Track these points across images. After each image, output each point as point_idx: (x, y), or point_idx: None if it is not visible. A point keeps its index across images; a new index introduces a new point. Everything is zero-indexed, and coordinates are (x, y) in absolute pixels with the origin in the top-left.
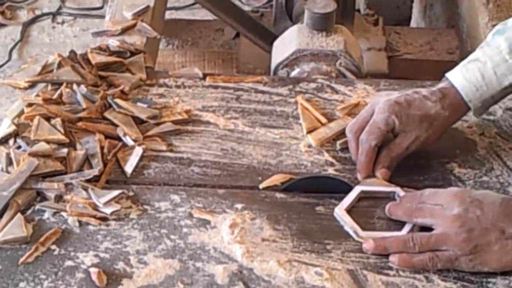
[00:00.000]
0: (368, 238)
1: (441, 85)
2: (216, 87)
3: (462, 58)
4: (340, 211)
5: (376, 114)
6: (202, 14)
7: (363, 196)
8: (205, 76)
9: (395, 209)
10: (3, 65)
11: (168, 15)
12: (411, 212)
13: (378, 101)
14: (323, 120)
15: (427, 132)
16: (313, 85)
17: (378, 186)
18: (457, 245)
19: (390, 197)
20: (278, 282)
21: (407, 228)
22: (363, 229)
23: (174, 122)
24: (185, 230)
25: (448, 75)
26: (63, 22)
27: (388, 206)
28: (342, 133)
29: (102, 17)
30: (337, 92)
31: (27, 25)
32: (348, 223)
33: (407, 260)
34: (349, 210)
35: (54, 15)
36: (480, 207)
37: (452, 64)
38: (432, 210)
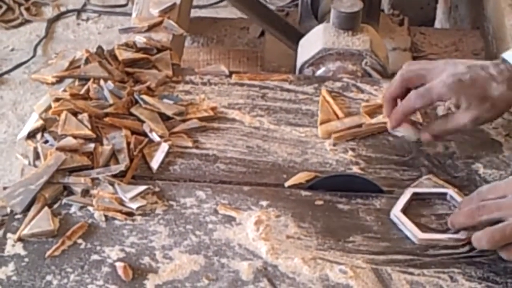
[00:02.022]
0: (426, 241)
1: (506, 65)
2: (242, 85)
3: (487, 59)
4: (397, 213)
5: (437, 81)
6: (226, 13)
7: (415, 198)
8: (231, 73)
9: (456, 218)
10: (28, 61)
11: (192, 13)
12: (474, 212)
13: (445, 69)
14: (340, 114)
15: (488, 113)
16: (338, 84)
17: (430, 187)
18: None
19: (442, 198)
20: (302, 279)
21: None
22: (422, 231)
23: (200, 119)
24: (210, 226)
25: (504, 55)
26: (87, 19)
27: (449, 220)
28: (351, 129)
29: (127, 14)
30: (362, 91)
31: (52, 21)
32: (408, 225)
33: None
34: (404, 212)
35: (79, 12)
36: None
37: None
38: (498, 204)
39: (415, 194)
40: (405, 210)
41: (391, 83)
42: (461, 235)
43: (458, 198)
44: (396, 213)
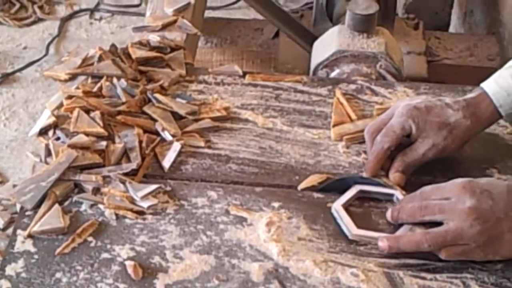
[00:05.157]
0: (359, 237)
1: (471, 94)
2: (255, 86)
3: (503, 65)
4: (337, 207)
5: (394, 117)
6: (240, 14)
7: (361, 196)
8: (244, 74)
9: (397, 213)
10: (40, 59)
11: (206, 14)
12: (416, 211)
13: (399, 105)
14: (353, 116)
15: (446, 140)
16: (352, 86)
17: (378, 187)
18: (472, 238)
19: (388, 199)
20: (313, 282)
21: (405, 227)
22: (358, 227)
23: (213, 119)
24: (221, 226)
25: (482, 83)
26: (100, 19)
27: (389, 213)
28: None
29: (140, 14)
30: (376, 94)
31: (65, 20)
32: (344, 219)
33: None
34: (346, 208)
35: (92, 11)
36: (491, 197)
37: (492, 71)
38: (441, 205)
39: (361, 191)
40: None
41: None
42: (402, 230)
43: None
44: (337, 207)
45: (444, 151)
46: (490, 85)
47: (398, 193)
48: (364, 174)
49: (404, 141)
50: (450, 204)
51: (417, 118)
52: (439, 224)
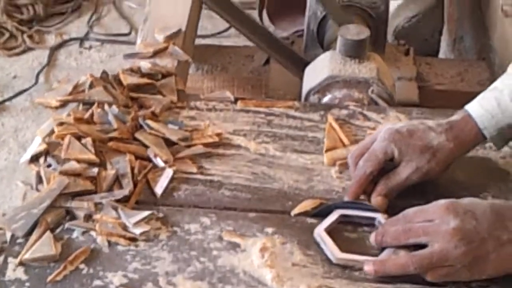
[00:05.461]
0: (344, 260)
1: (454, 117)
2: (247, 111)
3: None
4: (320, 232)
5: (376, 141)
6: (229, 43)
7: (343, 221)
8: (236, 100)
9: (381, 237)
10: (30, 88)
11: (196, 42)
12: (400, 235)
13: (381, 130)
14: (346, 141)
15: (429, 163)
16: (345, 111)
17: (359, 211)
18: (457, 259)
19: (370, 223)
20: None
21: (388, 250)
22: (342, 251)
23: (205, 145)
24: (214, 252)
25: (466, 106)
26: (90, 47)
27: (373, 237)
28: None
29: (130, 43)
30: (369, 119)
31: (55, 49)
32: (328, 244)
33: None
34: (329, 232)
35: (81, 40)
36: (474, 217)
37: None
38: (425, 228)
39: (342, 216)
40: (330, 231)
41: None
42: (385, 253)
43: None
44: (320, 232)
45: (428, 174)
46: (474, 108)
47: (380, 217)
48: (346, 198)
49: (388, 165)
50: (434, 226)
51: (400, 142)
52: (423, 246)
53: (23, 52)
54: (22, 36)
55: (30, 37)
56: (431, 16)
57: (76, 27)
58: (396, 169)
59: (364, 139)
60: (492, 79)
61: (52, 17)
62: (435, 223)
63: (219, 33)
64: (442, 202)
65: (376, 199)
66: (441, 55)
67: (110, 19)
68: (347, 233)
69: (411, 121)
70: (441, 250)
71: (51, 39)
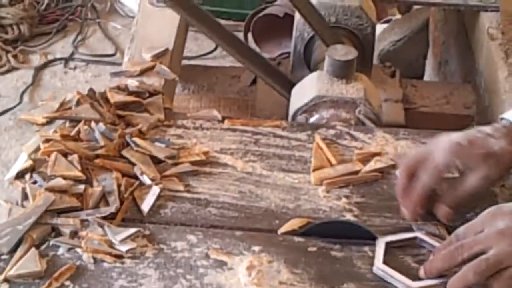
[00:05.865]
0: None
1: (503, 122)
2: (234, 130)
3: (479, 113)
4: (381, 266)
5: (437, 154)
6: (215, 64)
7: (392, 246)
8: (223, 118)
9: (432, 265)
10: (14, 107)
11: (182, 63)
12: (453, 254)
13: (438, 141)
14: (333, 161)
15: (496, 168)
16: (332, 131)
17: (399, 234)
18: None
19: (414, 244)
20: None
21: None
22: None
23: (192, 163)
24: (201, 270)
25: (505, 115)
26: (75, 68)
27: (424, 268)
28: (345, 176)
29: (115, 63)
30: (356, 139)
31: (39, 69)
32: (396, 277)
33: None
34: (388, 264)
35: (66, 60)
36: None
37: (469, 118)
38: (476, 239)
39: (387, 243)
40: (385, 261)
41: (397, 181)
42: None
43: (429, 240)
44: (380, 266)
45: (494, 181)
46: None
47: (420, 235)
48: (405, 214)
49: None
50: (484, 235)
51: (461, 153)
52: None
53: (8, 71)
54: (6, 56)
55: (15, 56)
56: (416, 40)
57: (61, 47)
58: (462, 180)
59: (417, 149)
60: (478, 102)
61: (37, 37)
62: (485, 232)
63: (204, 54)
64: (487, 210)
65: (444, 210)
66: (426, 78)
67: (95, 39)
68: (402, 259)
69: (468, 130)
70: (496, 252)
71: (36, 59)
